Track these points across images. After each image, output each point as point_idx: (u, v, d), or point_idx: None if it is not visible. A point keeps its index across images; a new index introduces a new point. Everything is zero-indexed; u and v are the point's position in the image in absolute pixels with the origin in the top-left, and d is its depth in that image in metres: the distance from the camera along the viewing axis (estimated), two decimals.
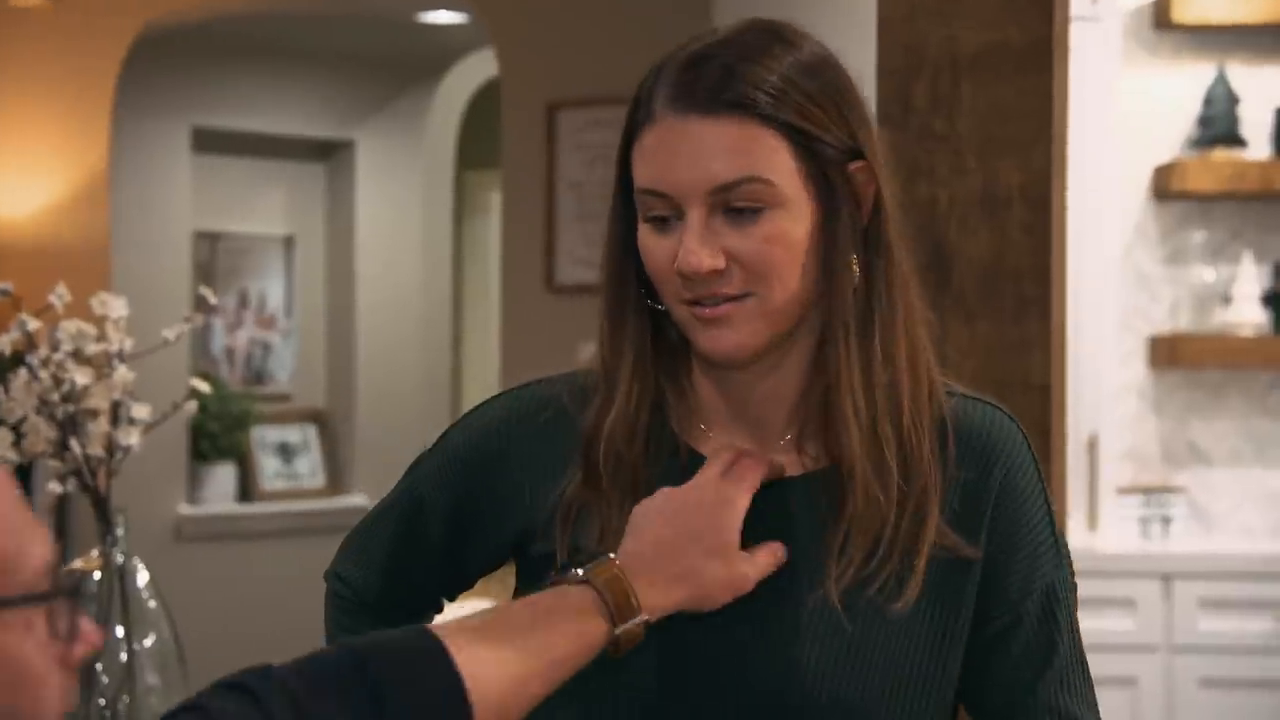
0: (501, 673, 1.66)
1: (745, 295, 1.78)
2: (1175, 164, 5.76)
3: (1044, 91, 2.55)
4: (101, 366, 2.93)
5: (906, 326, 1.83)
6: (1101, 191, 5.73)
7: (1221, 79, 5.78)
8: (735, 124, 1.76)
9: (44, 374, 2.89)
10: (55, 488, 2.92)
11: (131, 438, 2.93)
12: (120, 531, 2.93)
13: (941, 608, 1.84)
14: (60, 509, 6.91)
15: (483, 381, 9.41)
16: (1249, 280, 5.77)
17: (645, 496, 1.83)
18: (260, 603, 8.04)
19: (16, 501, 1.35)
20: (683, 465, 1.86)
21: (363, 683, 1.59)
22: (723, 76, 1.76)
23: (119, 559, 2.92)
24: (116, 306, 2.95)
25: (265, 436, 8.33)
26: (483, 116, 8.72)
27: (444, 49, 8.49)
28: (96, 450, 2.91)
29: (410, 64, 8.58)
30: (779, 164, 1.77)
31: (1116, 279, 5.86)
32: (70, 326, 2.92)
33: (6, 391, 2.87)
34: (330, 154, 8.60)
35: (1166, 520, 5.78)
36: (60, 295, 2.97)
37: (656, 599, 1.75)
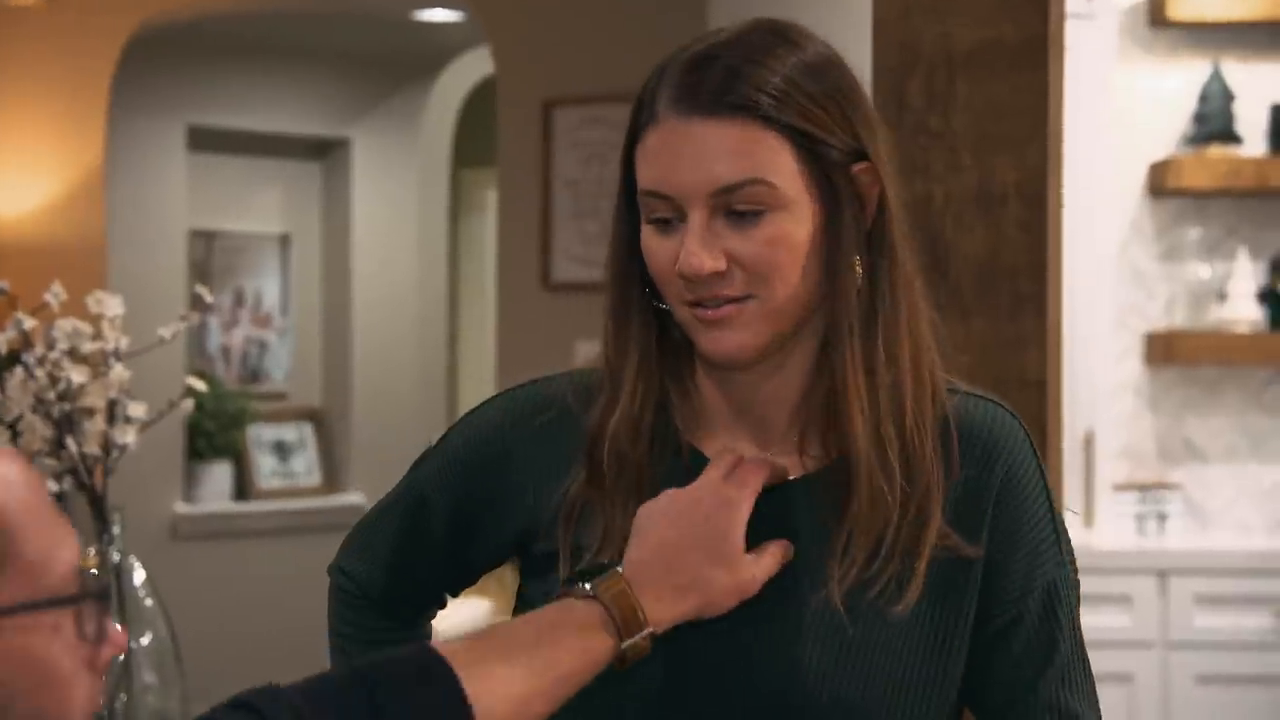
0: (506, 690, 1.66)
1: (747, 297, 1.78)
2: (1171, 161, 5.76)
3: (1039, 88, 2.54)
4: (97, 365, 2.94)
5: (910, 327, 1.83)
6: (1097, 188, 5.74)
7: (1217, 76, 5.79)
8: (738, 126, 1.75)
9: (40, 372, 2.90)
10: (51, 486, 2.92)
11: (127, 436, 2.94)
12: (117, 530, 2.95)
13: (942, 609, 1.84)
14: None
15: (479, 379, 9.41)
16: (1244, 277, 5.78)
17: (649, 496, 1.83)
18: (257, 601, 8.05)
19: (47, 505, 1.36)
20: (686, 465, 1.86)
21: (368, 702, 1.60)
22: (726, 78, 1.76)
23: (115, 557, 2.93)
24: (112, 305, 2.97)
25: (261, 435, 8.32)
26: (478, 114, 8.71)
27: (440, 47, 8.48)
28: (93, 449, 2.93)
29: (406, 62, 8.57)
30: (781, 166, 1.76)
31: (1112, 276, 5.87)
32: (66, 325, 2.93)
33: (3, 390, 2.88)
34: (326, 152, 8.59)
35: (1162, 517, 5.79)
36: (56, 294, 2.99)
37: (663, 611, 1.75)
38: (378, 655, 1.70)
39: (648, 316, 1.86)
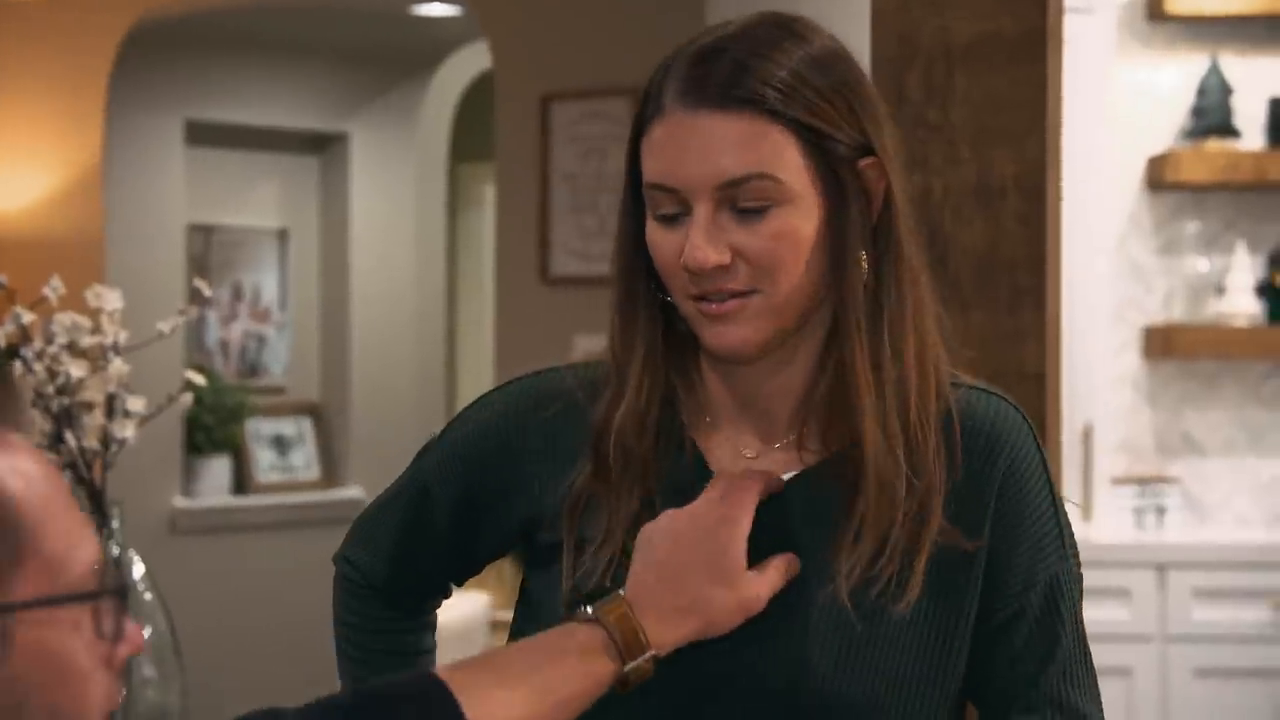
0: (506, 713, 1.66)
1: (751, 292, 1.77)
2: (1169, 154, 5.78)
3: (1038, 82, 2.53)
4: (96, 359, 2.95)
5: (915, 322, 1.83)
6: (1095, 182, 5.75)
7: (1215, 70, 5.81)
8: (744, 120, 1.75)
9: (39, 367, 2.90)
10: None
11: (126, 430, 2.95)
12: (116, 524, 2.96)
13: (944, 606, 1.84)
14: None
15: (477, 373, 9.41)
16: (1242, 270, 5.79)
17: (654, 491, 1.84)
18: (255, 595, 8.05)
19: (68, 503, 1.37)
20: (689, 462, 1.86)
21: None
22: (733, 72, 1.76)
23: (114, 551, 2.93)
24: (111, 299, 2.98)
25: (260, 429, 8.32)
26: (476, 109, 8.70)
27: (437, 41, 8.48)
28: (92, 443, 2.93)
29: (404, 57, 8.57)
30: (787, 161, 1.76)
31: (1110, 269, 5.89)
32: (65, 319, 2.94)
33: (2, 383, 2.88)
34: (324, 147, 8.58)
35: (1161, 510, 5.81)
36: (55, 288, 2.99)
37: (666, 634, 1.75)
38: (378, 680, 1.71)
39: (653, 311, 1.85)
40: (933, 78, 2.54)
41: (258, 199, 8.48)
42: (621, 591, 1.76)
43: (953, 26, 2.54)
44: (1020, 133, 2.53)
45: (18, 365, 2.87)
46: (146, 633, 2.94)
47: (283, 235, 8.56)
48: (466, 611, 4.66)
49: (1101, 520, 5.74)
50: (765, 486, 1.81)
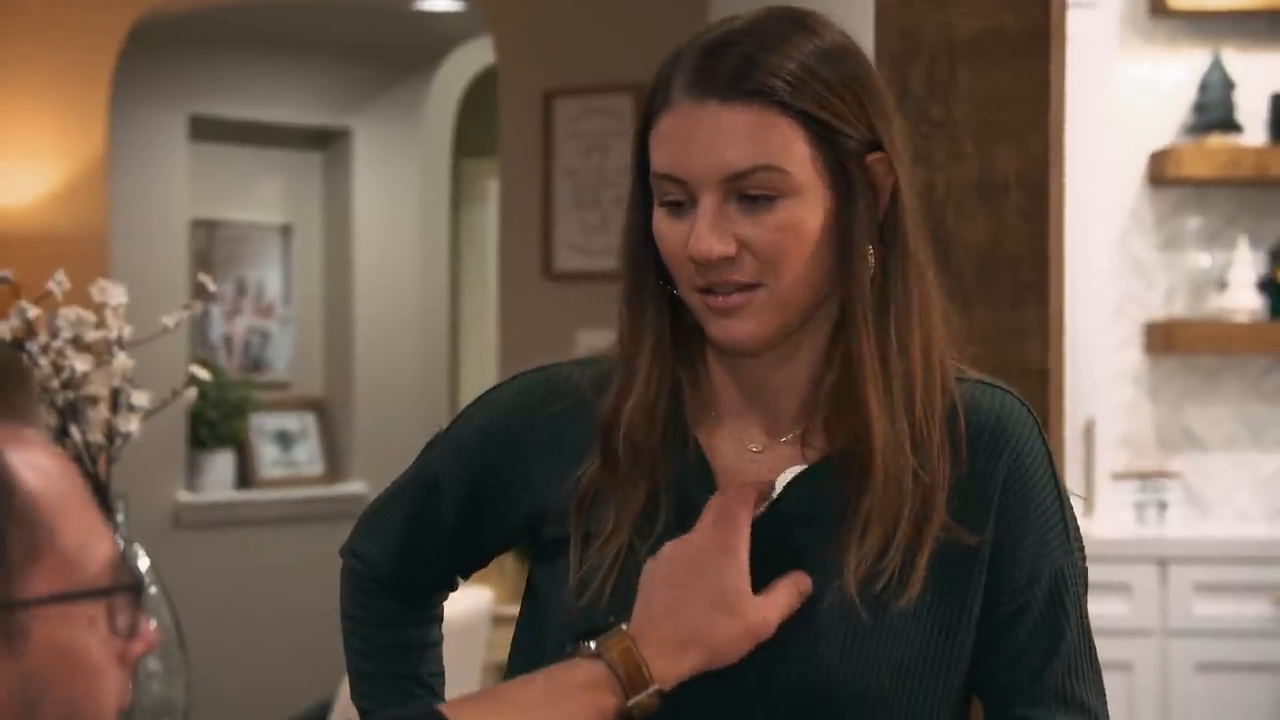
0: None
1: (757, 285, 1.77)
2: (1171, 150, 5.79)
3: (1041, 78, 2.53)
4: (101, 353, 2.94)
5: (921, 318, 1.83)
6: (1097, 178, 5.76)
7: (1217, 65, 5.81)
8: (752, 111, 1.75)
9: (44, 361, 2.90)
10: None
11: (131, 424, 2.94)
12: (120, 518, 2.95)
13: (947, 600, 1.84)
14: None
15: (480, 368, 9.39)
16: (1244, 266, 5.80)
17: (662, 485, 1.84)
18: (259, 589, 8.06)
19: (85, 499, 1.37)
20: (692, 460, 1.87)
21: None
22: (742, 64, 1.76)
23: (119, 545, 2.94)
24: (116, 294, 2.96)
25: (264, 424, 8.32)
26: (480, 104, 8.69)
27: (441, 37, 8.47)
28: (96, 437, 2.93)
29: (407, 52, 8.56)
30: (795, 153, 1.76)
31: (1112, 265, 5.90)
32: (70, 314, 2.93)
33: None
34: (327, 142, 8.58)
35: (1162, 505, 5.82)
36: (60, 282, 2.99)
37: (669, 668, 1.75)
38: (383, 715, 1.72)
39: (661, 304, 1.85)
40: (935, 73, 2.54)
41: (261, 194, 8.48)
42: (624, 627, 1.76)
43: (956, 22, 2.54)
44: (1023, 128, 2.53)
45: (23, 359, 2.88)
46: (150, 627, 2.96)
47: (286, 230, 8.55)
48: (469, 606, 4.68)
49: (1103, 515, 5.74)
50: (757, 497, 1.80)
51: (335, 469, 8.53)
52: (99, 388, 2.93)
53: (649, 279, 1.85)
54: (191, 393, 3.10)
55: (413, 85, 8.66)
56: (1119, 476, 5.84)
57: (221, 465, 8.10)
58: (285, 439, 8.38)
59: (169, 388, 3.06)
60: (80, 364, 2.91)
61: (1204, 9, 5.80)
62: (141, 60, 7.44)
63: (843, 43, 1.81)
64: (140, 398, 2.95)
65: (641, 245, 1.85)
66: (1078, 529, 1.90)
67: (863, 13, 2.56)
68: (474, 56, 8.58)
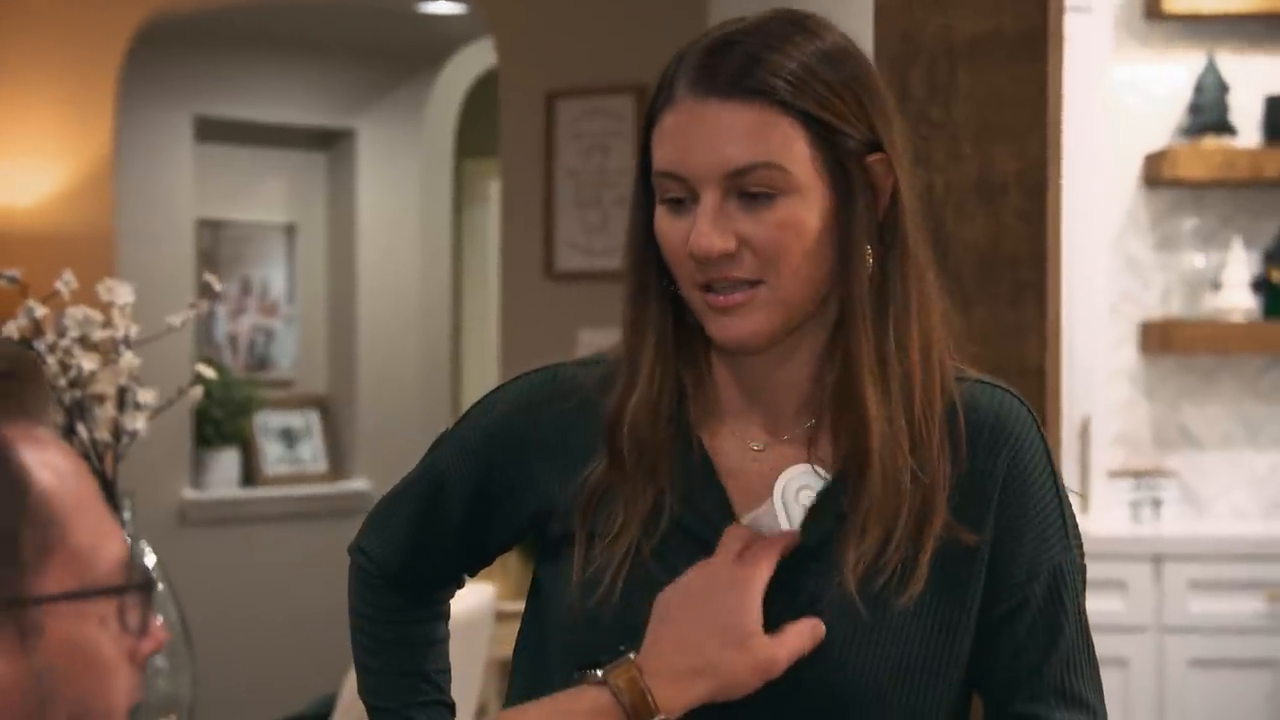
0: None
1: (757, 282, 1.78)
2: (1166, 152, 5.78)
3: (1039, 80, 2.54)
4: (108, 352, 2.96)
5: (920, 318, 1.83)
6: (1094, 179, 5.75)
7: (1212, 68, 5.81)
8: (753, 110, 1.76)
9: (51, 359, 2.92)
10: None
11: (138, 422, 2.96)
12: (127, 515, 2.97)
13: (947, 598, 1.84)
14: None
15: (482, 367, 9.37)
16: (1239, 266, 5.80)
17: (667, 484, 1.85)
18: (264, 585, 8.06)
19: (96, 498, 1.37)
20: (697, 460, 1.87)
21: None
22: (744, 63, 1.77)
23: (129, 543, 2.96)
24: (122, 293, 2.99)
25: (268, 422, 8.31)
26: (482, 105, 8.68)
27: (444, 39, 8.47)
28: (103, 435, 2.95)
29: (410, 54, 8.56)
30: (795, 151, 1.77)
31: (1108, 265, 5.89)
32: (77, 313, 2.95)
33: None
34: (331, 143, 8.57)
35: (1157, 503, 5.82)
36: (67, 282, 3.00)
37: (675, 698, 1.75)
38: None
39: (664, 303, 1.86)
40: (935, 75, 2.56)
41: (266, 194, 8.47)
42: (632, 656, 1.76)
43: (955, 25, 2.56)
44: (1022, 130, 2.55)
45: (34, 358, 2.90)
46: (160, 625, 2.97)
47: (290, 230, 8.54)
48: (473, 602, 4.69)
49: (1099, 513, 5.73)
50: (786, 546, 1.81)
51: (339, 466, 8.52)
52: (106, 386, 2.95)
53: (652, 278, 1.86)
54: (197, 391, 3.12)
55: (416, 86, 8.64)
56: (1115, 474, 5.83)
57: (226, 463, 8.10)
58: (289, 437, 8.37)
59: (175, 386, 3.09)
60: (87, 363, 2.93)
61: (1198, 12, 5.79)
62: (148, 61, 7.43)
63: (844, 45, 1.82)
64: (146, 396, 2.97)
65: (644, 245, 1.85)
66: (1076, 526, 1.90)
67: (863, 15, 2.58)
68: (476, 58, 8.57)
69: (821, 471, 1.86)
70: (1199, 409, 5.95)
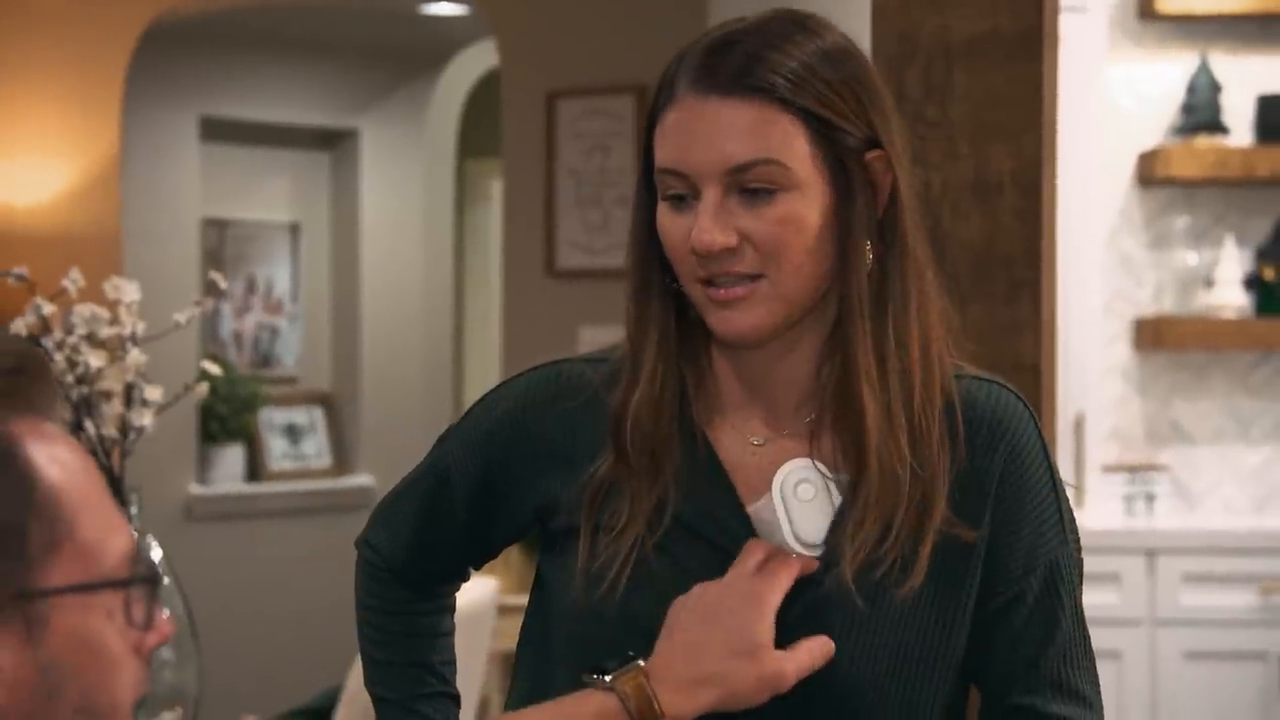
0: None
1: (758, 277, 1.80)
2: (1159, 151, 5.77)
3: (1034, 80, 2.54)
4: (115, 349, 2.96)
5: (920, 315, 1.84)
6: (1087, 178, 5.74)
7: (1204, 68, 5.80)
8: (753, 107, 1.77)
9: (59, 357, 2.93)
10: None
11: (144, 419, 2.96)
12: (134, 510, 2.97)
13: (946, 590, 1.85)
14: None
15: (484, 364, 9.36)
16: (1231, 264, 5.79)
17: (671, 479, 1.86)
18: (268, 579, 8.07)
19: (103, 492, 1.39)
20: (702, 455, 1.88)
21: None
22: (745, 61, 1.78)
23: (135, 538, 2.99)
24: (129, 291, 2.99)
25: (273, 418, 8.31)
26: (484, 106, 8.69)
27: (446, 40, 8.47)
28: (110, 431, 2.95)
29: (413, 55, 8.55)
30: (795, 148, 1.78)
31: (1102, 263, 5.87)
32: (84, 310, 2.96)
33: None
34: (335, 143, 8.57)
35: (1151, 497, 5.81)
36: (74, 280, 3.01)
37: (681, 704, 1.76)
38: None
39: (667, 300, 1.87)
40: (932, 75, 2.56)
41: (270, 194, 8.47)
42: (640, 662, 1.77)
43: (952, 25, 2.56)
44: (1017, 129, 2.55)
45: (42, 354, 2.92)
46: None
47: (295, 229, 8.54)
48: (476, 596, 4.70)
49: (1093, 507, 5.72)
50: (802, 569, 1.82)
51: (342, 462, 8.52)
52: (113, 383, 2.96)
53: (655, 276, 1.87)
54: (203, 387, 3.13)
55: (418, 87, 8.64)
56: (1109, 469, 5.82)
57: (231, 458, 8.10)
58: (294, 433, 8.37)
59: (181, 383, 3.10)
60: (94, 359, 2.93)
61: (1192, 13, 5.77)
62: (154, 62, 7.44)
63: (844, 45, 1.84)
64: (153, 392, 2.98)
65: (647, 244, 1.87)
66: (1074, 520, 1.91)
67: (860, 15, 2.59)
68: (478, 59, 8.58)
69: (821, 466, 1.86)
70: (1191, 405, 5.93)
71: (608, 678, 1.77)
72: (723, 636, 1.77)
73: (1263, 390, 5.95)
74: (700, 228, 1.78)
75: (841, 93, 1.80)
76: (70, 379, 2.94)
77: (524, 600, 2.09)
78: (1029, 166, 2.55)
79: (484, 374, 9.26)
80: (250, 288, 8.43)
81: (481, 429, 1.98)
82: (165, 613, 1.42)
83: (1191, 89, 5.84)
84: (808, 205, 1.79)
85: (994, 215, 2.55)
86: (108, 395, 2.97)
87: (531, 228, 6.34)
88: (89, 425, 2.95)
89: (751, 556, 1.82)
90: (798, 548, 1.85)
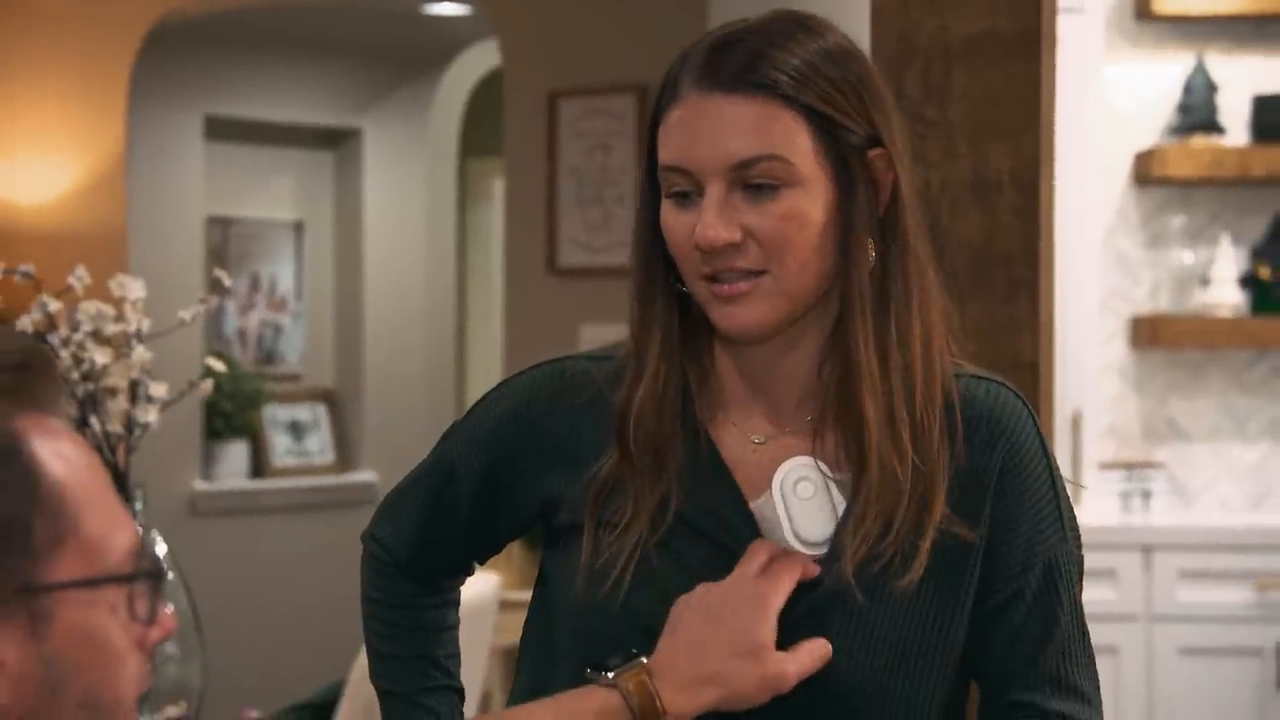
0: None
1: (761, 272, 1.80)
2: (1156, 150, 5.78)
3: (1033, 80, 2.55)
4: (120, 346, 2.99)
5: (921, 313, 1.85)
6: (1085, 177, 5.74)
7: (1200, 68, 5.81)
8: (757, 103, 1.78)
9: (65, 353, 2.96)
10: None
11: (149, 415, 2.99)
12: (139, 506, 3.01)
13: (944, 586, 1.86)
14: None
15: (486, 361, 9.36)
16: (1227, 263, 5.80)
17: (674, 476, 1.87)
18: (272, 575, 8.08)
19: (107, 487, 1.39)
20: (705, 453, 1.89)
21: None
22: (748, 59, 1.79)
23: (139, 533, 3.01)
24: (134, 288, 3.02)
25: (276, 415, 8.32)
26: (486, 105, 8.68)
27: (448, 40, 8.47)
28: (115, 427, 2.98)
29: (416, 54, 8.56)
30: (798, 145, 1.79)
31: (1099, 262, 5.88)
32: (90, 308, 2.99)
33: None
34: (338, 142, 8.57)
35: (1147, 494, 5.82)
36: (80, 277, 3.03)
37: (683, 702, 1.76)
38: None
39: (670, 299, 1.88)
40: (931, 75, 2.57)
41: (274, 192, 8.48)
42: (643, 660, 1.78)
43: (951, 26, 2.57)
44: (1016, 129, 2.55)
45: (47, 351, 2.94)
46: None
47: (298, 228, 8.55)
48: (478, 591, 4.70)
49: (1089, 504, 5.70)
50: (804, 572, 1.83)
51: (345, 458, 8.52)
52: (118, 379, 2.98)
53: (658, 275, 1.88)
54: (207, 384, 3.16)
55: (421, 87, 8.65)
56: (1105, 466, 5.83)
57: (236, 455, 8.11)
58: (297, 429, 8.38)
59: (185, 379, 3.12)
60: (100, 356, 2.96)
61: (1188, 14, 5.78)
62: (159, 61, 7.45)
63: (845, 44, 1.85)
64: (158, 389, 3.01)
65: (651, 243, 1.87)
66: (1073, 518, 1.91)
67: (860, 16, 2.61)
68: (480, 59, 8.58)
69: (821, 465, 1.87)
70: (1187, 402, 5.94)
71: (610, 674, 1.78)
72: (726, 637, 1.78)
73: (1258, 388, 5.95)
74: (704, 223, 1.79)
75: (844, 91, 1.81)
76: (75, 375, 2.96)
77: (526, 596, 2.10)
78: (1027, 166, 2.56)
79: (486, 371, 9.27)
80: (254, 285, 8.44)
81: (486, 425, 1.99)
82: (169, 608, 1.42)
83: (1188, 89, 5.85)
84: (811, 201, 1.80)
85: (992, 214, 2.56)
86: (113, 392, 2.99)
87: (533, 226, 6.34)
88: (94, 421, 2.97)
89: (755, 558, 1.82)
90: (797, 545, 1.85)
